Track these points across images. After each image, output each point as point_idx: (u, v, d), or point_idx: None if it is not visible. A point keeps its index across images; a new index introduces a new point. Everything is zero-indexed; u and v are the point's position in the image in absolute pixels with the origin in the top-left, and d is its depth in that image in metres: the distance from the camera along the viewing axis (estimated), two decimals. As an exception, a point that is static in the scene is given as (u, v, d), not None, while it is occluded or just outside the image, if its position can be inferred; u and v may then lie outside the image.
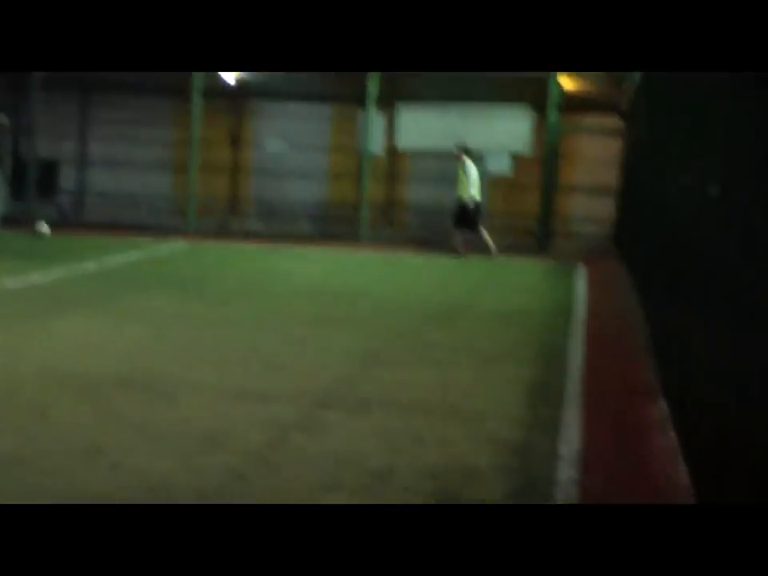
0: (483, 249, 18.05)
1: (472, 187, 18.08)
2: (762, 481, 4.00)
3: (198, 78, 20.26)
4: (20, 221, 20.16)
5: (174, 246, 18.22)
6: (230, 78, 21.57)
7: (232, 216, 23.68)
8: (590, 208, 21.40)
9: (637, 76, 17.62)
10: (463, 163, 18.17)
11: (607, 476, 6.08)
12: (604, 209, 20.96)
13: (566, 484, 5.82)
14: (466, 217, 18.14)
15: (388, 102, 20.70)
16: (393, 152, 21.94)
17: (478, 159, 18.70)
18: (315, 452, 6.23)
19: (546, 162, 19.87)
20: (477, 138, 20.00)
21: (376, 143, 20.63)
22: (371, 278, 15.06)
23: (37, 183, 21.92)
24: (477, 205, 18.19)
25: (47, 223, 18.83)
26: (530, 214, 20.77)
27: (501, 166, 20.38)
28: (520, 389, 8.21)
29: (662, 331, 9.35)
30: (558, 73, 19.44)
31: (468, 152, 18.22)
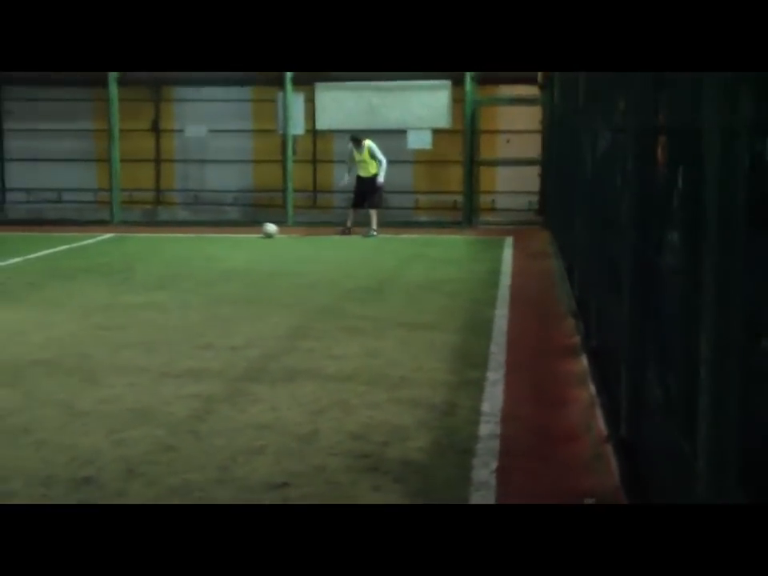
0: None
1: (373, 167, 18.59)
2: (667, 425, 4.18)
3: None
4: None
5: (100, 238, 18.12)
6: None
7: (158, 206, 23.56)
8: (515, 180, 21.54)
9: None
10: (364, 147, 18.53)
11: (528, 428, 6.25)
12: (529, 180, 21.14)
13: (487, 438, 5.98)
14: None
15: (307, 82, 20.69)
16: (315, 133, 21.97)
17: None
18: (241, 421, 6.33)
19: (467, 135, 20.01)
20: (396, 114, 20.09)
21: (297, 124, 20.60)
22: (299, 259, 15.11)
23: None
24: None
25: None
26: (454, 189, 20.90)
27: (421, 141, 20.47)
28: (445, 355, 8.35)
29: (582, 293, 9.58)
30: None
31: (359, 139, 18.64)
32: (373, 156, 18.52)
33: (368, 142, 18.62)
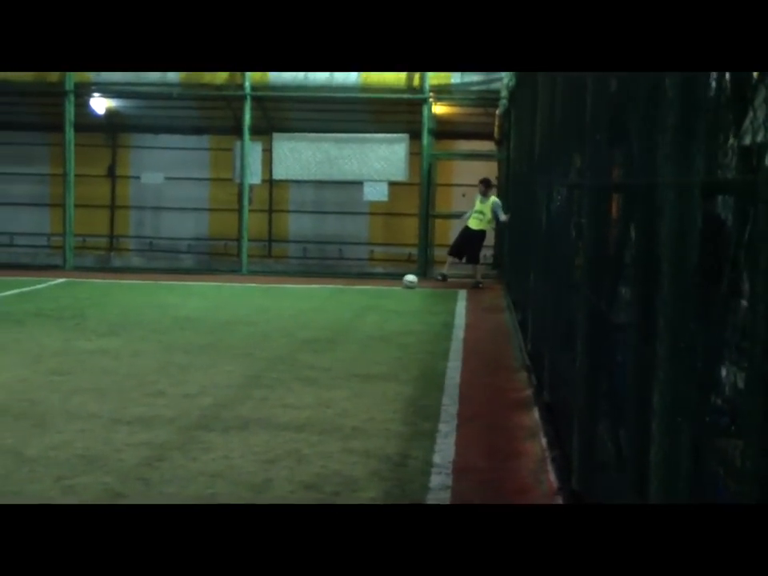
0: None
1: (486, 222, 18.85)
2: (619, 479, 4.20)
3: (70, 111, 20.03)
4: None
5: (52, 283, 17.98)
6: (99, 107, 21.33)
7: (112, 252, 23.48)
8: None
9: (505, 101, 18.08)
10: (489, 200, 18.69)
11: (479, 480, 6.25)
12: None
13: (438, 489, 5.98)
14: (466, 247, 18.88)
15: (265, 132, 20.79)
16: (272, 183, 22.05)
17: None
18: (193, 470, 6.28)
19: (423, 188, 20.16)
20: (353, 166, 20.26)
21: (254, 174, 20.65)
22: (253, 309, 15.08)
23: None
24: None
25: None
26: (409, 242, 21.02)
27: (378, 193, 20.57)
28: (398, 406, 8.35)
29: (535, 347, 9.63)
30: (432, 99, 19.78)
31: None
32: (494, 213, 18.59)
33: (494, 198, 18.76)
